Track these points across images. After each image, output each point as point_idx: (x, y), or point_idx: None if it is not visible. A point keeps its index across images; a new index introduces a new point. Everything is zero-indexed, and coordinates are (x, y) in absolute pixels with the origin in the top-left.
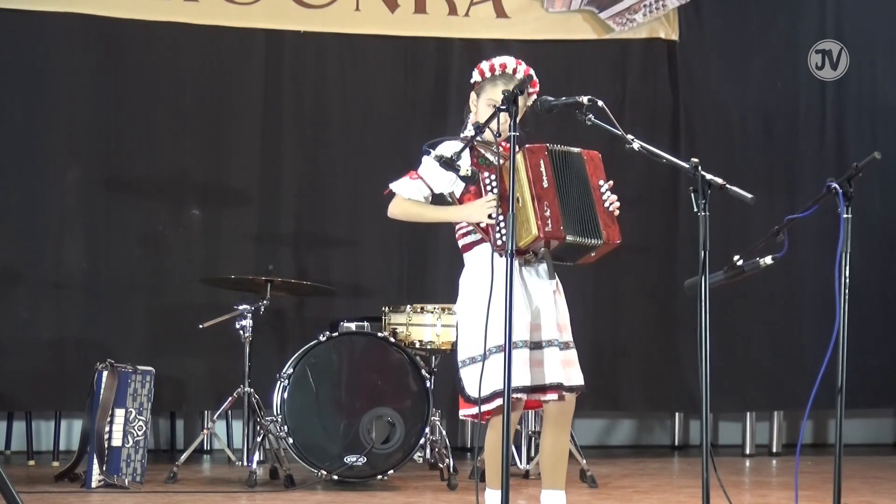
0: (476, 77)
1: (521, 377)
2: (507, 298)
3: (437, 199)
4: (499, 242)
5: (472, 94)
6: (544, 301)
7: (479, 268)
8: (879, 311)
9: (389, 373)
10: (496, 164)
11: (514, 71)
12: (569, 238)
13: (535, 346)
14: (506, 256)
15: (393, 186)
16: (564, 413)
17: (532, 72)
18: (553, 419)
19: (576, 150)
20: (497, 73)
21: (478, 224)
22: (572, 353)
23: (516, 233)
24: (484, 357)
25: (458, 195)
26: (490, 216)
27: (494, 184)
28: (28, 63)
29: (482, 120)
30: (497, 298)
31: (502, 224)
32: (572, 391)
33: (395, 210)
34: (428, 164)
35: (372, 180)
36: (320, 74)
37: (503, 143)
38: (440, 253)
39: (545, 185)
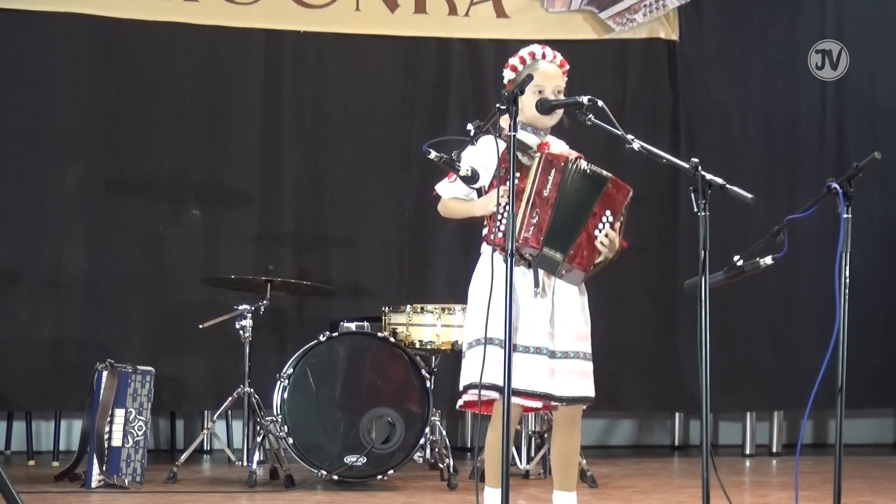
0: (509, 75)
1: (493, 375)
2: (507, 300)
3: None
4: (491, 236)
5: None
6: (526, 305)
7: (485, 260)
8: (879, 311)
9: (389, 373)
10: (524, 163)
11: (544, 55)
12: (545, 250)
13: (515, 348)
14: (506, 257)
15: (437, 188)
16: (571, 417)
17: (559, 56)
18: (561, 423)
19: (605, 173)
20: (529, 61)
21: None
22: (573, 364)
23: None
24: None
25: (486, 189)
26: (497, 205)
27: (515, 181)
28: (28, 63)
29: (530, 111)
30: (483, 294)
31: (501, 220)
32: (564, 402)
33: (440, 210)
34: (464, 162)
35: (372, 180)
36: (320, 74)
37: (542, 148)
38: (440, 253)
39: (545, 194)
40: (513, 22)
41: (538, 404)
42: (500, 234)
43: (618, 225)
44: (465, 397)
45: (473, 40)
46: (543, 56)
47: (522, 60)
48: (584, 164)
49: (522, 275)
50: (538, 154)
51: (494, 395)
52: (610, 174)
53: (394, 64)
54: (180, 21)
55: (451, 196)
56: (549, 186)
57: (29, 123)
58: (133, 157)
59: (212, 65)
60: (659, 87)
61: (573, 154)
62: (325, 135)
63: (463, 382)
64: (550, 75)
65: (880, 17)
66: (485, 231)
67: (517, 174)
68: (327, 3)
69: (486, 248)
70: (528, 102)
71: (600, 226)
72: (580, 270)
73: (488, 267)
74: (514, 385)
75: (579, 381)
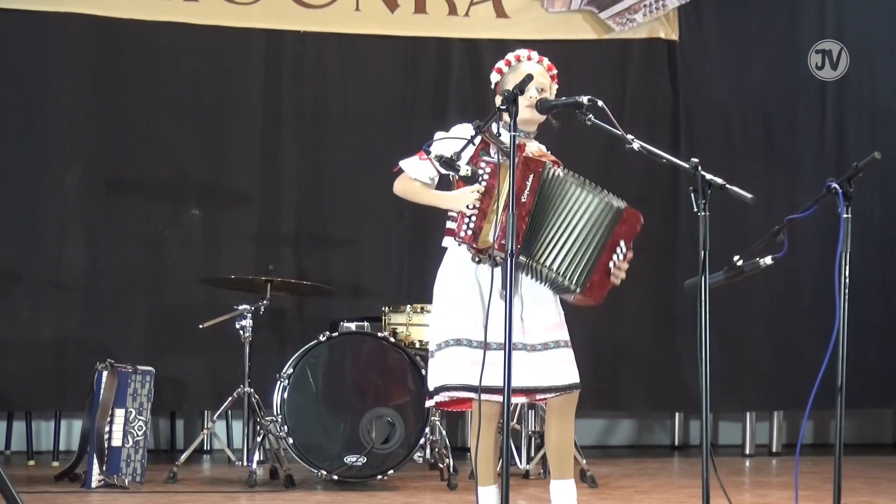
0: (496, 77)
1: (463, 375)
2: (507, 300)
3: (445, 180)
4: (461, 234)
5: (497, 98)
6: (497, 303)
7: (451, 258)
8: (879, 312)
9: (389, 373)
10: (497, 160)
11: (529, 57)
12: (521, 258)
13: (488, 346)
14: (506, 257)
15: (402, 164)
16: (566, 405)
17: (546, 59)
18: (556, 411)
19: (617, 203)
20: (514, 63)
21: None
22: (553, 354)
23: (480, 234)
24: (488, 348)
25: (456, 178)
26: (468, 206)
27: (486, 178)
28: (28, 63)
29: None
30: (450, 293)
31: (472, 217)
32: (552, 392)
33: (399, 187)
34: (437, 145)
35: (372, 180)
36: (320, 74)
37: (520, 150)
38: (440, 253)
39: (523, 199)
40: (513, 22)
41: (521, 399)
42: (470, 233)
43: (630, 254)
44: (437, 398)
45: (473, 40)
46: (529, 58)
47: (508, 63)
48: (557, 170)
49: (488, 274)
50: (522, 157)
51: (471, 395)
52: (623, 203)
53: (394, 64)
54: (180, 21)
55: (416, 177)
56: (526, 192)
57: (29, 123)
58: (133, 157)
59: (212, 65)
60: (659, 87)
61: (550, 158)
62: (325, 135)
63: (433, 384)
64: (534, 74)
65: (880, 17)
66: (449, 224)
67: (487, 168)
68: (327, 3)
69: (449, 244)
70: None
71: (615, 258)
72: (589, 302)
73: (454, 265)
74: (491, 383)
75: (564, 369)
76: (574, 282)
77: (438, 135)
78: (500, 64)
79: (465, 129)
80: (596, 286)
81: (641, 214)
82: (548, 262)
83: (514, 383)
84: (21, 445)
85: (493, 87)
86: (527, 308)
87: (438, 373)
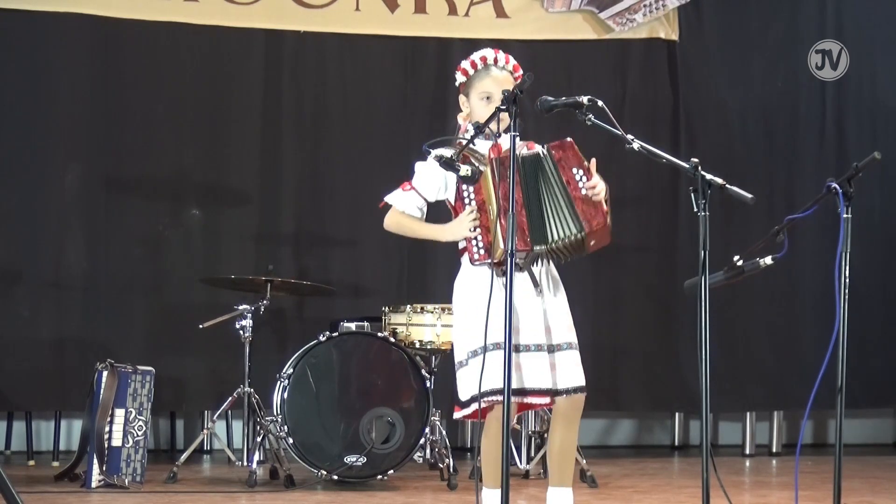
0: (460, 78)
1: (499, 380)
2: (507, 301)
3: (434, 208)
4: (476, 257)
5: (461, 97)
6: (524, 305)
7: (468, 274)
8: (879, 311)
9: (389, 373)
10: (479, 170)
11: (496, 61)
12: (536, 248)
13: (514, 349)
14: (506, 258)
15: (388, 199)
16: (573, 411)
17: (512, 60)
18: (561, 417)
19: (540, 150)
20: (480, 66)
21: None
22: (568, 355)
23: (492, 248)
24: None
25: (452, 202)
26: (471, 230)
27: (472, 196)
28: (28, 63)
29: (479, 117)
30: (477, 305)
31: (478, 238)
32: (567, 393)
33: (390, 223)
34: (420, 173)
35: (372, 180)
36: (320, 74)
37: (494, 151)
38: (440, 253)
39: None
40: (513, 22)
41: (546, 400)
42: (483, 252)
43: (590, 167)
44: (475, 406)
45: (473, 40)
46: (495, 62)
47: (474, 65)
48: (525, 153)
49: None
50: (491, 159)
51: (513, 398)
52: (544, 145)
53: (394, 64)
54: (180, 21)
55: (403, 210)
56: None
57: (29, 123)
58: (133, 157)
59: (212, 65)
60: (659, 87)
61: (530, 148)
62: (325, 135)
63: (470, 393)
64: (500, 80)
65: (880, 17)
66: (461, 243)
67: (471, 188)
68: (327, 3)
69: (464, 260)
70: (476, 108)
71: (580, 185)
72: (602, 230)
73: (472, 275)
74: (522, 385)
75: (575, 370)
76: (576, 230)
77: (419, 168)
78: (466, 65)
79: (432, 166)
80: (590, 218)
81: (570, 138)
82: (561, 234)
83: (539, 385)
84: (21, 445)
85: (457, 86)
86: (549, 309)
87: (472, 381)
